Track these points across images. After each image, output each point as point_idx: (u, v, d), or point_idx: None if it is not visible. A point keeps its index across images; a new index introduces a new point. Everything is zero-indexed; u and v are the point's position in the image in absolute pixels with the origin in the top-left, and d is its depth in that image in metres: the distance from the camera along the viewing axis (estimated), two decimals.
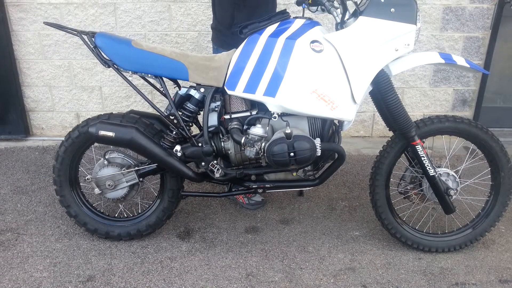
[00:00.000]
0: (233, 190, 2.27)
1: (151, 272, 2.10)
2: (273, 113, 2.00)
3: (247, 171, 2.13)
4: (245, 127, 2.09)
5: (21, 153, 3.30)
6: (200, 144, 2.08)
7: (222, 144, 2.11)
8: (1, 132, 3.51)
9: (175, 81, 2.21)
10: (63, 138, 3.61)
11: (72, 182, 2.27)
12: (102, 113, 2.65)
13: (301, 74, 1.91)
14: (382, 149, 2.17)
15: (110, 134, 1.99)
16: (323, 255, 2.23)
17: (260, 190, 2.15)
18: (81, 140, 2.18)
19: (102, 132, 1.99)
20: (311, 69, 1.91)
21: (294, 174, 2.13)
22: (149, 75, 2.07)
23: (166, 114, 2.10)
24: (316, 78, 1.91)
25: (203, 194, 2.25)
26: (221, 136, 2.12)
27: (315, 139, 1.99)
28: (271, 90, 1.94)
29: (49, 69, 3.42)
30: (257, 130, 2.00)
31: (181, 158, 2.09)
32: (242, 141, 2.00)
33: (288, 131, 1.93)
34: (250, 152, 2.00)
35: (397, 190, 2.27)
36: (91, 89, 3.48)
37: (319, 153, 1.95)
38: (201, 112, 2.12)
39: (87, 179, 2.17)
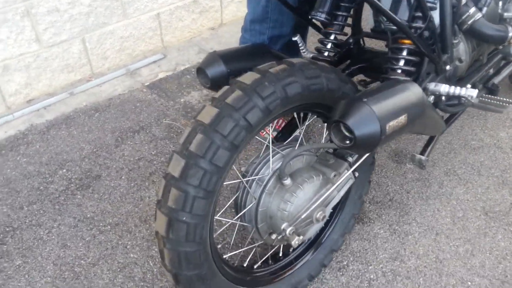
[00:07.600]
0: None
1: None
2: None
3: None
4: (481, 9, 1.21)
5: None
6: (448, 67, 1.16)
7: (453, 52, 1.24)
8: None
9: None
10: None
11: (214, 250, 1.06)
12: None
13: None
14: None
15: (402, 119, 0.91)
16: None
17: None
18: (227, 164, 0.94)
19: (392, 123, 0.85)
20: None
21: None
22: None
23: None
24: None
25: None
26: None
27: None
28: None
29: None
30: None
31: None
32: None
33: None
34: None
35: None
36: None
37: None
38: None
39: (290, 232, 1.01)
